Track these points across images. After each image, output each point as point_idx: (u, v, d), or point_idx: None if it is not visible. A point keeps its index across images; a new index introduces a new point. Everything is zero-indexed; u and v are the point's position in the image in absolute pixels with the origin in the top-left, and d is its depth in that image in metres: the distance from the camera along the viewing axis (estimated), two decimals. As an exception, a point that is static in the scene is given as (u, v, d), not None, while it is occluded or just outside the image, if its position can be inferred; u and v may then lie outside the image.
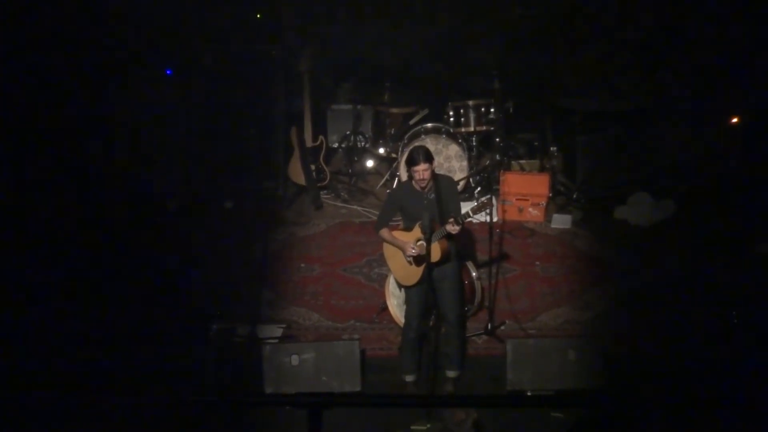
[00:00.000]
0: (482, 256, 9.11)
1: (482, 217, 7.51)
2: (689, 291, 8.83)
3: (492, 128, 10.64)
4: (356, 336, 8.40)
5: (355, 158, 11.34)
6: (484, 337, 8.48)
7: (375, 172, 11.34)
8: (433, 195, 7.30)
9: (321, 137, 10.81)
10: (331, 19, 11.31)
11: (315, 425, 4.12)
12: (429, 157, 7.22)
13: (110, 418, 5.92)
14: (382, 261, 9.06)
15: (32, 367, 7.49)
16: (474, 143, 10.80)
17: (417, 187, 7.31)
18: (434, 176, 7.35)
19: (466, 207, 7.29)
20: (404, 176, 9.84)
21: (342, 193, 10.91)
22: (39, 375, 7.42)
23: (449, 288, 7.48)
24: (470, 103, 10.66)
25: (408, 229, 7.45)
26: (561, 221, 10.15)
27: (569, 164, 10.79)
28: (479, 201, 7.30)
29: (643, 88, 10.97)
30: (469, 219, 7.15)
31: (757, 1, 10.02)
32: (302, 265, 9.66)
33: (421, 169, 7.18)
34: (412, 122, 11.01)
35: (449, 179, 7.70)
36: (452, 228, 7.07)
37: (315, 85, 10.88)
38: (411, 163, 7.24)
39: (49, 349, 7.79)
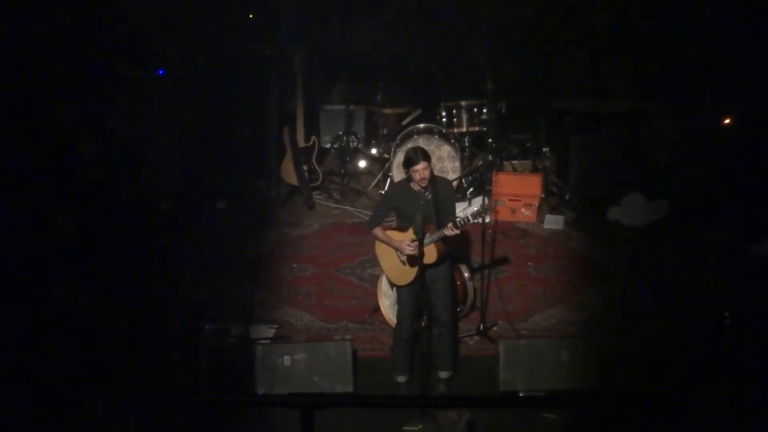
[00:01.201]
0: (475, 257, 9.11)
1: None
2: (682, 291, 8.84)
3: (485, 129, 10.65)
4: (348, 336, 8.39)
5: (348, 159, 11.34)
6: (477, 337, 8.47)
7: (367, 172, 11.33)
8: (429, 195, 7.28)
9: (313, 137, 10.81)
10: (324, 20, 11.32)
11: (307, 425, 4.11)
12: (426, 156, 7.21)
13: (102, 418, 5.91)
14: (374, 261, 9.04)
15: (25, 368, 7.47)
16: (466, 144, 10.81)
17: (416, 188, 7.29)
18: (433, 177, 7.34)
19: (458, 208, 7.30)
20: (397, 177, 9.87)
21: (334, 194, 10.91)
22: (32, 376, 7.40)
23: (442, 288, 7.47)
24: (463, 103, 10.67)
25: (403, 229, 7.43)
26: (554, 222, 10.16)
27: (562, 165, 10.80)
28: (480, 206, 7.33)
29: (636, 89, 11.00)
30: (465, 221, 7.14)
31: (750, 2, 10.04)
32: (295, 265, 9.65)
33: (422, 168, 7.14)
34: (404, 123, 11.02)
35: (446, 181, 7.68)
36: (451, 231, 7.06)
37: (308, 86, 10.88)
38: (409, 163, 7.19)
39: (40, 349, 7.77)
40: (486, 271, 8.63)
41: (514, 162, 10.98)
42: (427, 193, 7.29)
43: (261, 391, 7.61)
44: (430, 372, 7.48)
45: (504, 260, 9.41)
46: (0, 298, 7.95)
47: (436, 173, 7.49)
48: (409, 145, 9.86)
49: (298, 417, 4.13)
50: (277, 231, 10.26)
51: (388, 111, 11.23)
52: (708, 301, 8.50)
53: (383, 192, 10.27)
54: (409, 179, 7.36)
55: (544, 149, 10.87)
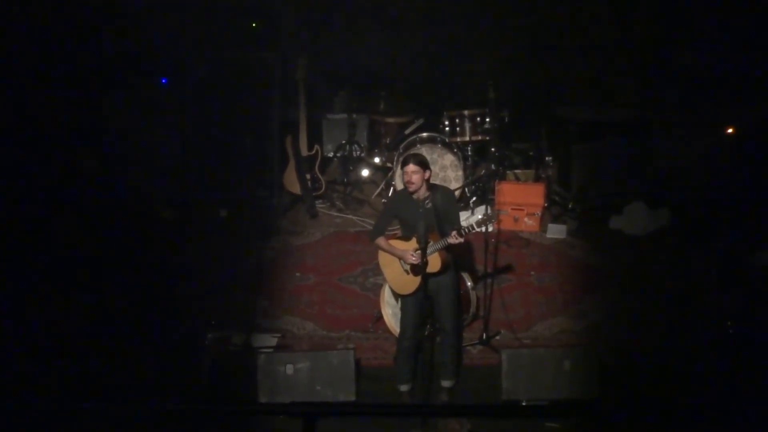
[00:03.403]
0: (477, 266, 9.10)
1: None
2: (684, 301, 8.83)
3: (487, 138, 10.63)
4: (351, 345, 8.39)
5: (351, 167, 11.32)
6: (479, 346, 8.47)
7: (370, 181, 11.32)
8: (430, 204, 7.29)
9: (316, 146, 10.81)
10: (327, 28, 11.33)
11: (309, 434, 4.11)
12: (422, 163, 7.23)
13: (104, 425, 5.90)
14: (377, 270, 9.03)
15: (26, 374, 7.47)
16: (469, 153, 10.81)
17: (416, 197, 7.31)
18: (432, 187, 7.35)
19: (461, 217, 7.31)
20: (400, 185, 9.87)
21: (337, 203, 10.90)
22: (33, 382, 7.40)
23: (446, 297, 7.47)
24: (466, 112, 10.66)
25: (406, 238, 7.44)
26: (556, 231, 10.15)
27: (564, 174, 10.79)
28: (484, 214, 7.35)
29: (638, 98, 11.00)
30: (469, 229, 7.14)
31: (752, 12, 10.05)
32: (297, 274, 9.64)
33: (410, 171, 7.20)
34: (407, 132, 11.00)
35: (448, 190, 7.69)
36: (455, 239, 7.07)
37: (310, 94, 10.88)
38: (403, 164, 7.28)
39: (42, 356, 7.76)
40: (489, 280, 8.63)
41: (517, 171, 10.96)
42: (427, 201, 7.30)
43: (263, 399, 7.62)
44: (432, 381, 7.47)
45: (507, 269, 9.41)
46: (2, 304, 7.96)
47: (438, 182, 7.52)
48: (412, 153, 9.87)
49: (300, 426, 4.13)
50: (279, 240, 10.25)
51: (390, 120, 11.22)
52: (710, 310, 8.50)
53: (384, 201, 10.27)
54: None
55: (546, 158, 10.86)
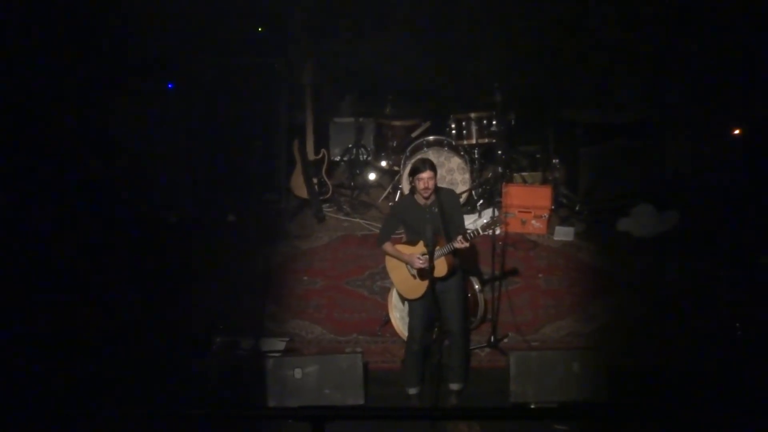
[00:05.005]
0: (485, 269, 9.10)
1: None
2: (693, 303, 8.82)
3: (494, 140, 10.63)
4: (359, 349, 8.38)
5: (358, 171, 11.34)
6: (487, 349, 8.46)
7: (377, 185, 11.33)
8: (436, 208, 7.28)
9: (323, 150, 10.82)
10: (334, 33, 11.34)
11: (318, 438, 4.12)
12: (433, 167, 7.22)
13: (113, 429, 5.92)
14: (384, 274, 9.04)
15: (33, 377, 7.49)
16: (476, 156, 10.80)
17: (420, 200, 7.30)
18: (437, 189, 7.34)
19: (468, 220, 7.30)
20: (407, 189, 9.87)
21: (344, 206, 10.91)
22: (40, 385, 7.41)
23: (453, 300, 7.46)
24: (472, 115, 10.66)
25: (412, 242, 7.43)
26: (564, 233, 10.14)
27: (572, 176, 10.78)
28: (490, 218, 7.33)
29: (645, 100, 10.98)
30: (475, 233, 7.14)
31: (758, 13, 10.03)
32: (305, 278, 9.65)
33: (426, 177, 7.15)
34: (414, 135, 11.01)
35: (452, 192, 7.68)
36: (461, 244, 7.07)
37: (317, 98, 10.89)
38: (415, 171, 7.21)
39: (49, 360, 7.78)
40: (496, 283, 8.61)
41: (524, 174, 10.97)
42: (433, 206, 7.29)
43: (272, 403, 7.61)
44: (441, 384, 7.46)
45: (514, 272, 9.40)
46: (13, 307, 7.98)
47: (446, 185, 7.50)
48: (419, 157, 9.87)
49: (308, 430, 4.14)
50: (287, 244, 10.26)
51: (397, 123, 11.21)
52: (719, 312, 8.48)
53: (390, 206, 10.26)
54: (413, 192, 7.36)
55: (553, 161, 10.85)
